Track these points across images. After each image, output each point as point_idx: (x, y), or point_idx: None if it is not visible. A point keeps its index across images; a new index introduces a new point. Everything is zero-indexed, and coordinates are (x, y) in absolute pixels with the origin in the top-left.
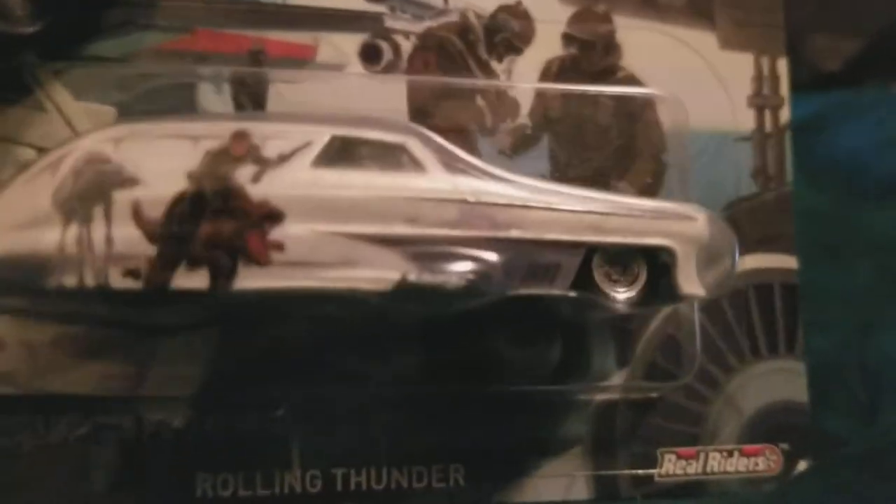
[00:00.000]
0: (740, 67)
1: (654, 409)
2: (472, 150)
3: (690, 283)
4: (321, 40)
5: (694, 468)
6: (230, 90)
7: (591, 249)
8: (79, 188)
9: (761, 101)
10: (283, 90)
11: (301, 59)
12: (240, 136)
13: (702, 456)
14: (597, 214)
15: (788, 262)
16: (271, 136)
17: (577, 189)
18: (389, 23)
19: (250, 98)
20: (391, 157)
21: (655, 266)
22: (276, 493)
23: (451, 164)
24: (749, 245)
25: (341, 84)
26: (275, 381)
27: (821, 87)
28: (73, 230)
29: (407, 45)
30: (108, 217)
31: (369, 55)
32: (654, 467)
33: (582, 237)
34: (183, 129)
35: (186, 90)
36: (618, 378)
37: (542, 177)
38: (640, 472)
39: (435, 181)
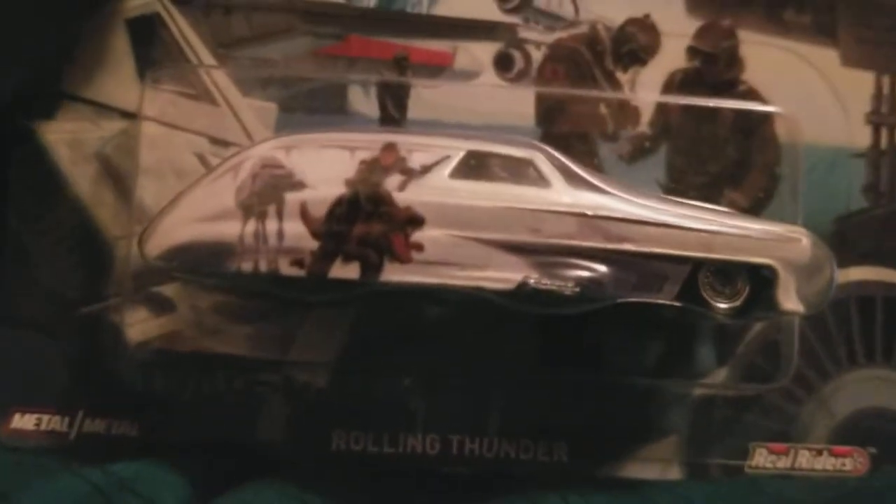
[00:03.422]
0: (860, 85)
1: (750, 406)
2: (594, 155)
3: (790, 300)
4: (459, 48)
5: (784, 463)
6: (377, 92)
7: (698, 263)
8: (256, 189)
9: (879, 118)
10: (423, 94)
11: (440, 66)
12: (389, 148)
13: (792, 452)
14: (706, 233)
15: (892, 276)
16: (415, 149)
17: (689, 207)
18: (522, 33)
19: (394, 100)
20: (519, 170)
21: (758, 282)
22: (400, 451)
23: (573, 180)
24: (855, 258)
25: (475, 90)
26: (406, 355)
27: None
28: (251, 225)
29: (538, 55)
30: (279, 215)
31: (502, 63)
32: (746, 459)
33: (690, 253)
34: (342, 140)
35: (339, 91)
36: (719, 375)
37: (658, 183)
38: (731, 462)
39: (558, 195)
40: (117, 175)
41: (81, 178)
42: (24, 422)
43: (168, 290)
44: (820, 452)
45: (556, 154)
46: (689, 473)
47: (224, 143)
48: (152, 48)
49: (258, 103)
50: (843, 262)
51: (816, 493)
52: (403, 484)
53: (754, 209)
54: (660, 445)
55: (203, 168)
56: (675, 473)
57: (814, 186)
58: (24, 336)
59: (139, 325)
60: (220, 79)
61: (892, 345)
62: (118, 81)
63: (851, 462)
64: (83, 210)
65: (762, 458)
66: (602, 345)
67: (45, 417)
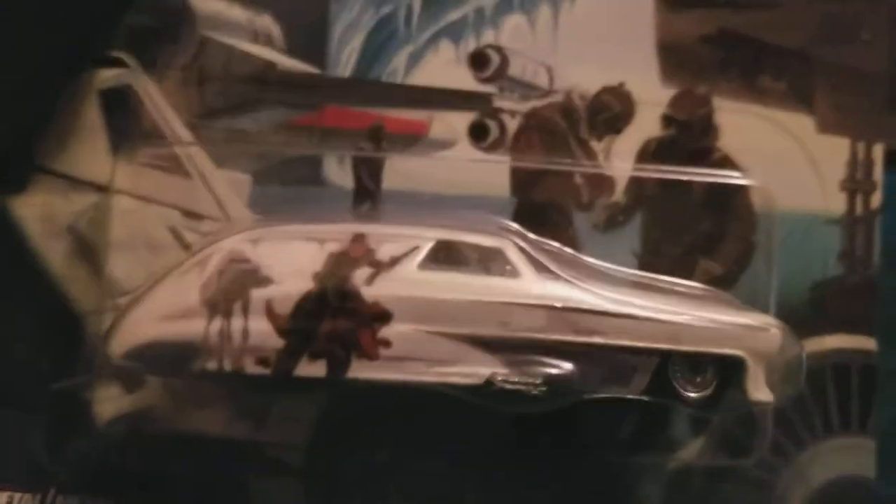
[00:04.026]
0: (836, 151)
1: (726, 477)
2: (569, 225)
3: (760, 390)
4: (434, 118)
5: None
6: (351, 163)
7: (666, 355)
8: (222, 286)
9: (854, 185)
10: (398, 164)
11: (415, 135)
12: (358, 239)
13: None
14: (674, 324)
15: (868, 343)
16: (385, 240)
17: (659, 293)
18: (497, 102)
19: (368, 171)
20: (489, 260)
21: (728, 372)
22: None
23: (542, 271)
24: (831, 326)
25: (449, 162)
26: (379, 434)
27: None
28: (217, 322)
29: (513, 124)
30: (245, 312)
31: (477, 133)
32: None
33: (659, 345)
34: (311, 232)
35: (313, 162)
36: (692, 448)
37: (634, 254)
38: None
39: (528, 286)
40: (89, 249)
41: (53, 253)
42: None
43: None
44: None
45: (524, 243)
46: None
47: (197, 216)
48: (126, 120)
49: (232, 175)
50: (820, 330)
51: None
52: None
53: (729, 278)
54: None
55: (176, 242)
56: None
57: (790, 253)
58: None
59: (111, 402)
60: (193, 151)
61: (868, 413)
62: (91, 154)
63: None
64: (55, 285)
65: None
66: (575, 420)
67: (17, 495)
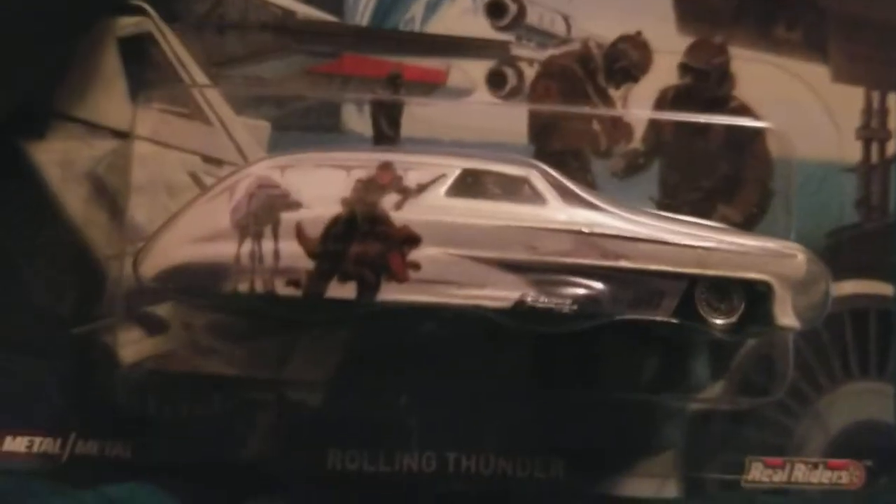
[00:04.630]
0: (851, 100)
1: (745, 420)
2: (587, 171)
3: (786, 315)
4: (452, 66)
5: (780, 477)
6: (370, 110)
7: (694, 280)
8: (252, 209)
9: (869, 133)
10: (417, 112)
11: (434, 83)
12: (385, 167)
13: (788, 466)
14: (701, 249)
15: (885, 289)
16: (411, 168)
17: (685, 224)
18: (515, 50)
19: (387, 119)
20: (515, 188)
21: (754, 298)
22: (396, 469)
23: (569, 197)
24: (848, 272)
25: (468, 108)
26: (401, 372)
27: None
28: (247, 245)
29: (530, 72)
30: (275, 235)
31: (495, 81)
32: (742, 473)
33: (686, 269)
34: (338, 160)
35: (332, 109)
36: (713, 390)
37: (652, 200)
38: (727, 476)
39: (554, 212)
40: (109, 194)
41: (73, 198)
42: (15, 444)
43: (161, 309)
44: (816, 466)
45: (552, 171)
46: (686, 488)
47: (217, 162)
48: (144, 67)
49: (251, 121)
50: (837, 276)
51: None
52: (399, 502)
53: (748, 224)
54: (657, 461)
55: (196, 187)
56: (672, 489)
57: (806, 201)
58: (15, 357)
59: (132, 346)
60: (213, 97)
61: (887, 358)
62: (110, 101)
63: (847, 475)
64: (74, 230)
65: (758, 473)
66: (598, 360)
67: (38, 440)
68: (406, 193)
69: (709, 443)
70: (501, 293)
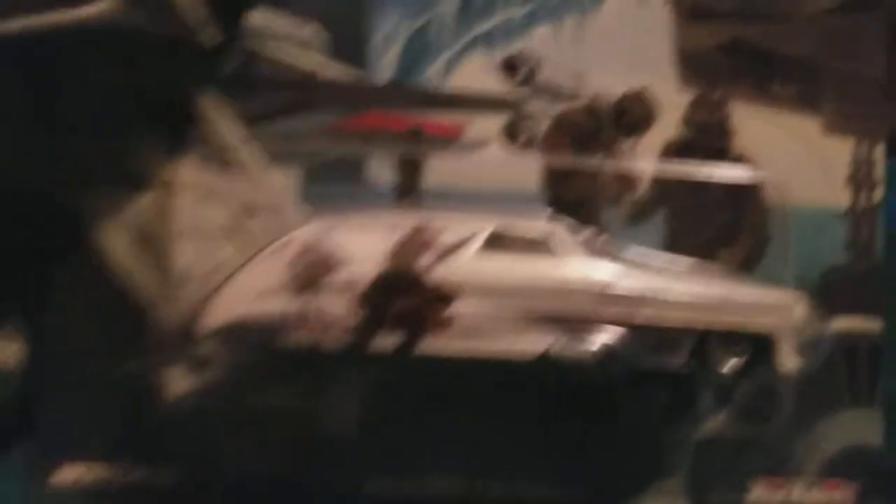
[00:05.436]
0: (841, 151)
1: (747, 446)
2: (595, 218)
3: (789, 361)
4: (469, 120)
5: (779, 496)
6: (394, 163)
7: (704, 332)
8: (305, 267)
9: (858, 181)
10: (436, 164)
11: (451, 138)
12: (421, 228)
13: (787, 486)
14: (717, 300)
15: (874, 325)
16: (445, 228)
17: (698, 273)
18: (528, 106)
19: (409, 171)
20: (541, 245)
21: (759, 344)
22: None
23: (592, 252)
24: (840, 309)
25: (484, 160)
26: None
27: None
28: (301, 301)
29: (543, 125)
30: (322, 292)
31: (509, 134)
32: (745, 492)
33: (703, 319)
34: (378, 221)
35: (356, 163)
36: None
37: (658, 245)
38: (732, 497)
39: (577, 267)
40: (151, 241)
41: (116, 245)
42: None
43: (204, 347)
44: (812, 485)
45: (575, 226)
46: None
47: (253, 209)
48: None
49: (283, 172)
50: (830, 313)
51: None
52: None
53: (747, 267)
54: (662, 490)
55: (231, 235)
56: None
57: (802, 245)
58: (72, 395)
59: (176, 382)
60: (248, 149)
61: (875, 387)
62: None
63: (839, 495)
64: (118, 276)
65: (761, 492)
66: (612, 398)
67: (92, 467)
68: (440, 253)
69: (713, 469)
70: (528, 345)
